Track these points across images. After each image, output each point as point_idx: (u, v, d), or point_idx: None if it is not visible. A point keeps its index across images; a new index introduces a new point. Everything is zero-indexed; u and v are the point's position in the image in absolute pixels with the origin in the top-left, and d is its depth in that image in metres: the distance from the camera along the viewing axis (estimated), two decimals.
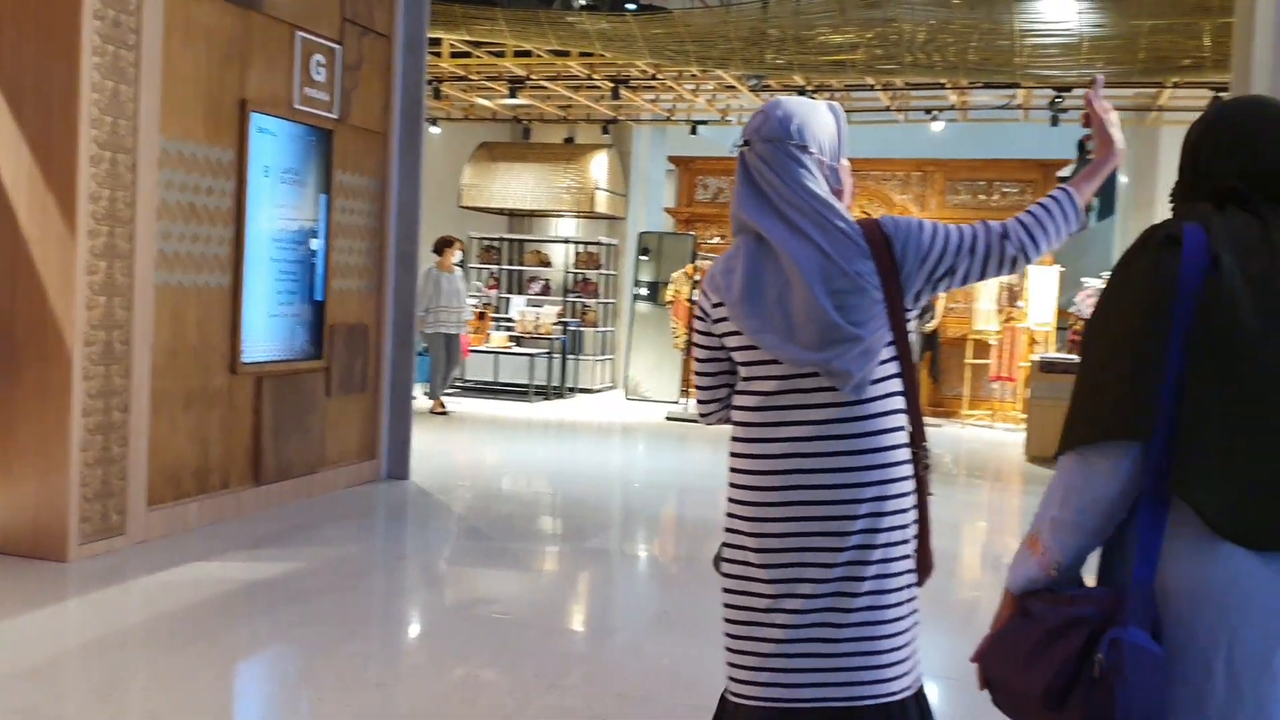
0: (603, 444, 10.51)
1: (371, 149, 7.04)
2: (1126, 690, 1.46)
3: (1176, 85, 10.36)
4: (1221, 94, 9.26)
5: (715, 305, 2.10)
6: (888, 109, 12.44)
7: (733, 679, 2.08)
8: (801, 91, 11.45)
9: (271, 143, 6.07)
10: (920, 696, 2.06)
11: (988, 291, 11.51)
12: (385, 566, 5.53)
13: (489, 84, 12.04)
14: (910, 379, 2.04)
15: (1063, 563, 1.59)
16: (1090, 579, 1.65)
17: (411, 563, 5.69)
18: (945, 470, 8.99)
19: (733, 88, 11.68)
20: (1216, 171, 1.65)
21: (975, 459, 9.77)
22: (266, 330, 6.12)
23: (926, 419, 2.10)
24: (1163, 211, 12.29)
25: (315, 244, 6.51)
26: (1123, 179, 13.74)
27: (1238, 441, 1.48)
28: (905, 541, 2.01)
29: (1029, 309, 11.33)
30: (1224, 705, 1.47)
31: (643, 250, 13.30)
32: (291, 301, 6.34)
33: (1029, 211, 2.06)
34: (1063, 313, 11.58)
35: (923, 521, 2.06)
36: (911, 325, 2.04)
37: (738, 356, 2.09)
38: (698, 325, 2.18)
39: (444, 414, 10.60)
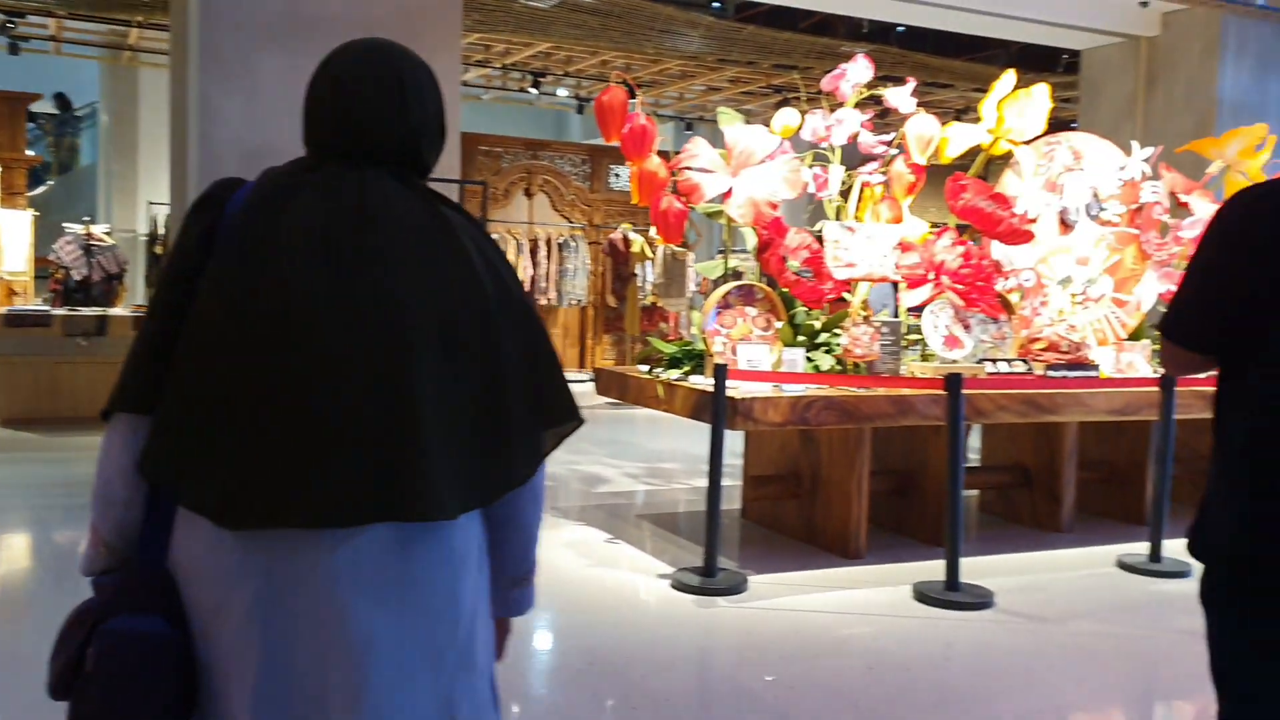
0: None
1: None
2: (107, 682, 1.37)
3: (141, 25, 10.14)
4: None
5: None
6: None
7: None
8: None
9: None
10: None
11: None
12: None
13: None
14: None
15: (107, 539, 1.46)
16: None
17: None
18: None
19: None
20: (311, 123, 1.51)
21: None
22: None
23: None
24: (146, 154, 12.07)
25: None
26: (104, 118, 13.21)
27: (207, 417, 1.39)
28: None
29: (1, 257, 10.23)
30: (229, 670, 1.40)
31: None
32: None
33: None
34: (43, 261, 10.75)
35: None
36: None
37: None
38: None
39: None
